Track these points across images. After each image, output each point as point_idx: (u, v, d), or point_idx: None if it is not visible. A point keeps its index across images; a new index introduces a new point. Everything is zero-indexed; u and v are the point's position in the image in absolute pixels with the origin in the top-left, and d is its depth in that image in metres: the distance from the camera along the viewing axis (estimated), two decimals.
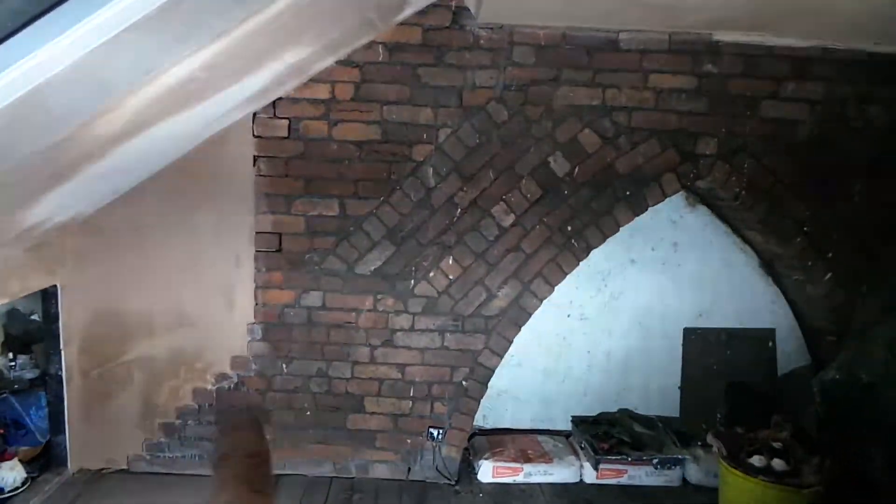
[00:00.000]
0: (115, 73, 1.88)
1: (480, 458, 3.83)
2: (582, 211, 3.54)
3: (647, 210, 3.58)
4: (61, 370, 3.54)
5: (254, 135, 3.45)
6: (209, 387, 3.67)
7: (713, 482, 3.56)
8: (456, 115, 3.44)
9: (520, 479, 3.78)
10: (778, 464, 3.20)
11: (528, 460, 3.82)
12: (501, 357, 3.70)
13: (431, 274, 3.58)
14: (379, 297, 3.61)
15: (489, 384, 3.74)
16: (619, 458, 3.77)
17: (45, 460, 3.62)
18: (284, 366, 3.66)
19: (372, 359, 3.66)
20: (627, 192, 3.53)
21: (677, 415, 4.17)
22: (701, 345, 4.15)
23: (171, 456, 3.70)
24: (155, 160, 3.30)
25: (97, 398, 3.64)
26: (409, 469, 3.76)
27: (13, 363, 3.64)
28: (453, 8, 3.34)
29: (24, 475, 3.41)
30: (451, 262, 3.57)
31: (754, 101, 3.46)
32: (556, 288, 3.64)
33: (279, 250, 3.56)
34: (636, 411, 4.17)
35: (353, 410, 3.71)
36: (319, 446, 3.73)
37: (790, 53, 3.41)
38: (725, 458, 3.31)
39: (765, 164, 3.52)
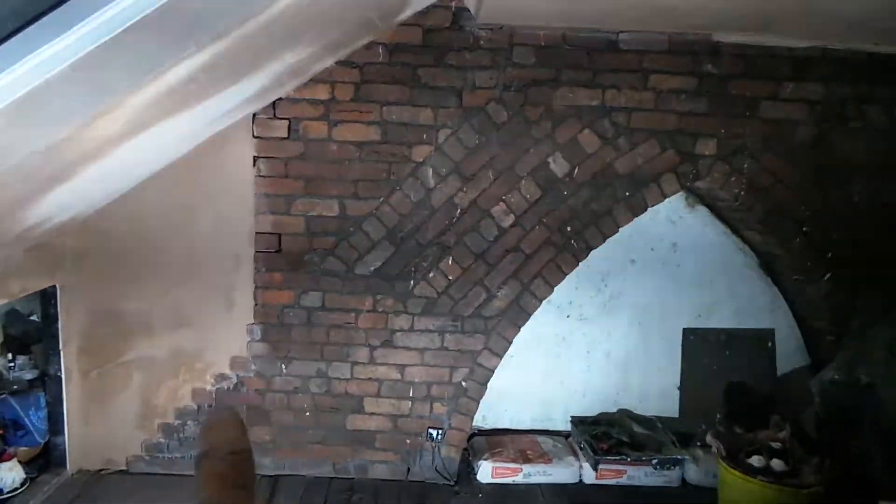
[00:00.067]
0: (115, 74, 1.88)
1: (480, 459, 3.83)
2: (581, 211, 3.54)
3: (646, 210, 3.59)
4: (60, 371, 3.53)
5: (253, 135, 3.45)
6: (208, 387, 3.67)
7: (712, 482, 3.56)
8: (456, 115, 3.44)
9: (519, 479, 3.78)
10: (777, 464, 3.20)
11: (527, 461, 3.82)
12: (501, 357, 3.70)
13: (431, 274, 3.58)
14: (378, 297, 3.61)
15: (488, 385, 3.74)
16: (618, 458, 3.76)
17: (44, 461, 3.62)
18: (284, 366, 3.66)
19: (371, 359, 3.66)
20: (627, 193, 3.53)
21: (676, 415, 4.17)
22: (700, 345, 4.15)
23: (170, 456, 3.70)
24: (154, 161, 3.30)
25: (96, 399, 3.64)
26: (409, 469, 3.76)
27: (12, 364, 3.63)
28: (453, 9, 3.34)
29: (23, 476, 3.41)
30: (450, 262, 3.57)
31: (754, 101, 3.46)
32: (555, 288, 3.64)
33: (279, 251, 3.56)
34: (635, 412, 4.16)
35: (352, 411, 3.71)
36: (319, 447, 3.73)
37: (790, 54, 3.41)
38: (725, 459, 3.31)
39: (764, 164, 3.52)
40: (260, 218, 3.53)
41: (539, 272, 3.59)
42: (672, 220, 4.07)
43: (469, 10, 3.32)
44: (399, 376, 3.69)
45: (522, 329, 3.69)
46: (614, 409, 4.20)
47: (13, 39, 1.47)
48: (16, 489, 3.34)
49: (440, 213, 3.53)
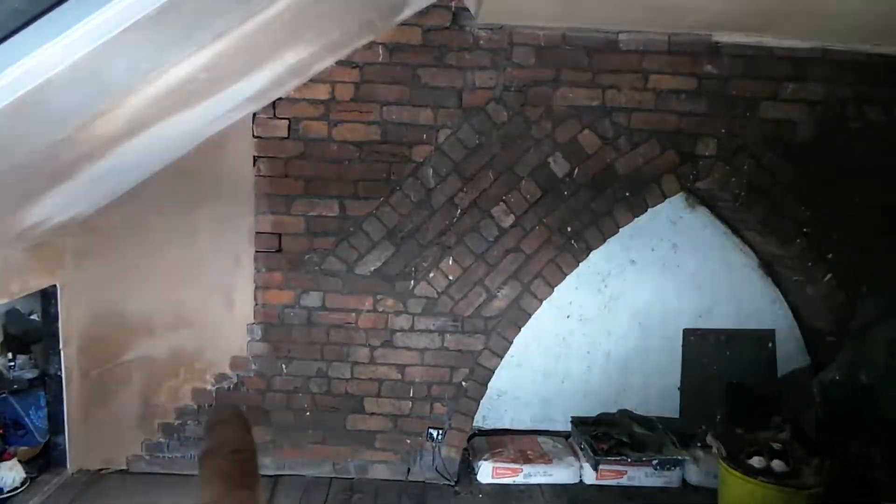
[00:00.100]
0: (115, 73, 1.88)
1: (480, 459, 3.83)
2: (582, 212, 3.54)
3: (646, 211, 3.58)
4: (61, 370, 3.53)
5: (254, 135, 3.46)
6: (209, 387, 3.67)
7: (713, 483, 3.56)
8: (456, 115, 3.45)
9: (519, 479, 3.78)
10: (778, 465, 3.20)
11: (527, 461, 3.82)
12: (501, 358, 3.70)
13: (431, 274, 3.58)
14: (379, 297, 3.61)
15: (489, 385, 3.74)
16: (618, 458, 3.76)
17: (44, 460, 3.62)
18: (284, 366, 3.66)
19: (371, 359, 3.66)
20: (627, 193, 3.53)
21: (677, 416, 4.17)
22: (700, 346, 4.15)
23: (170, 456, 3.70)
24: (155, 160, 3.30)
25: (96, 398, 3.64)
26: (409, 470, 3.76)
27: (12, 363, 3.63)
28: (453, 9, 3.34)
29: (24, 475, 3.41)
30: (450, 262, 3.57)
31: (754, 102, 3.46)
32: (555, 289, 3.64)
33: (279, 250, 3.56)
34: (636, 412, 4.16)
35: (352, 411, 3.71)
36: (319, 447, 3.73)
37: (790, 54, 3.41)
38: (725, 459, 3.31)
39: (764, 165, 3.52)
40: (260, 218, 3.53)
41: (539, 272, 3.59)
42: (672, 220, 4.07)
43: (469, 10, 3.32)
44: (399, 376, 3.68)
45: (523, 329, 3.69)
46: (615, 410, 4.20)
47: (14, 38, 1.47)
48: (16, 489, 3.34)
49: (440, 213, 3.53)
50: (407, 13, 3.29)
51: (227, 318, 3.61)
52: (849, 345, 3.54)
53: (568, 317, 4.15)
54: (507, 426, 4.24)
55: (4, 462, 3.33)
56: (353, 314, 3.62)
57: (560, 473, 3.81)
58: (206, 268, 3.57)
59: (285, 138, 3.46)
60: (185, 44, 2.00)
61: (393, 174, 3.49)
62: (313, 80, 3.40)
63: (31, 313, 3.88)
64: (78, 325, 3.56)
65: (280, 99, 3.41)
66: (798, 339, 4.10)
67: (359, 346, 3.65)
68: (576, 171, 3.50)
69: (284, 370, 3.66)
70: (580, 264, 3.63)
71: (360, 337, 3.64)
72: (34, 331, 3.76)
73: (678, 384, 4.19)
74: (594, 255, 3.64)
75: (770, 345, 4.11)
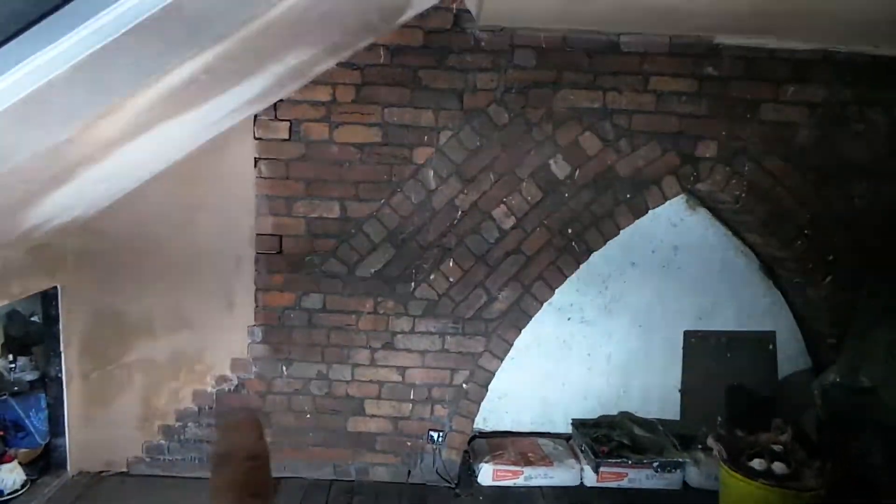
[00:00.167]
0: (117, 76, 1.88)
1: (481, 461, 3.82)
2: (582, 214, 3.54)
3: (647, 213, 3.58)
4: (61, 372, 3.54)
5: (255, 137, 3.46)
6: (209, 389, 3.67)
7: (714, 485, 3.55)
8: (457, 117, 3.45)
9: (520, 482, 3.77)
10: (779, 467, 3.20)
11: (528, 463, 3.82)
12: (502, 360, 3.69)
13: (432, 276, 3.58)
14: (379, 299, 3.60)
15: (489, 387, 3.74)
16: (619, 461, 3.76)
17: (44, 462, 3.62)
18: (284, 368, 3.66)
19: (372, 361, 3.66)
20: (628, 195, 3.53)
21: (678, 418, 4.17)
22: (701, 348, 4.15)
23: (170, 458, 3.70)
24: (156, 162, 3.30)
25: (97, 400, 3.64)
26: (410, 472, 3.76)
27: (13, 365, 3.63)
28: (454, 11, 3.35)
29: (24, 477, 3.41)
30: (451, 264, 3.57)
31: (755, 103, 3.46)
32: (556, 291, 3.64)
33: (280, 252, 3.56)
34: (636, 414, 4.16)
35: (353, 413, 3.71)
36: (319, 449, 3.73)
37: (791, 56, 3.42)
38: (726, 462, 3.30)
39: (765, 167, 3.52)
40: (261, 219, 3.53)
41: (540, 274, 3.59)
42: (673, 222, 4.06)
43: (470, 13, 3.32)
44: (400, 378, 3.68)
45: (523, 331, 3.69)
46: (615, 412, 4.20)
47: (15, 41, 1.47)
48: (16, 491, 3.34)
49: (441, 215, 3.53)
50: (408, 15, 3.30)
51: (227, 320, 3.61)
52: (849, 346, 3.54)
53: (569, 319, 4.15)
54: (507, 428, 4.23)
55: (5, 464, 3.33)
56: (354, 316, 3.62)
57: (561, 476, 3.80)
58: (207, 269, 3.57)
59: (286, 140, 3.46)
60: (186, 46, 2.00)
61: (394, 176, 3.49)
62: (314, 82, 3.40)
63: (31, 315, 3.88)
64: (79, 327, 3.56)
65: (281, 101, 3.41)
66: (799, 340, 4.10)
67: (359, 348, 3.65)
68: (576, 172, 3.50)
69: (285, 372, 3.66)
70: (581, 266, 3.63)
71: (360, 339, 3.64)
72: (35, 332, 3.75)
73: (679, 386, 4.18)
74: (595, 257, 3.63)
75: (771, 347, 4.11)
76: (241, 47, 2.28)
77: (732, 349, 4.12)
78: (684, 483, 3.83)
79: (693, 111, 3.46)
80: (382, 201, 3.51)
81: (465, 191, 3.51)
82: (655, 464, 3.77)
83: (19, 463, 3.42)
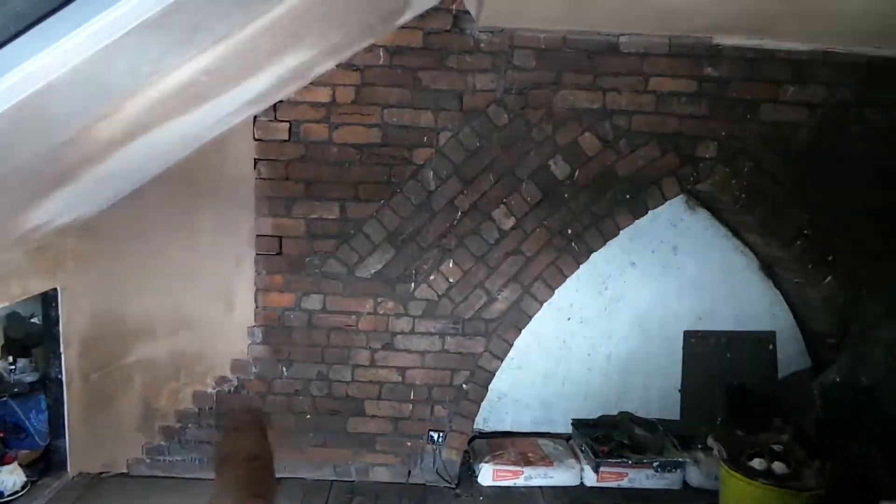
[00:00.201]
0: (117, 77, 1.89)
1: (481, 462, 3.82)
2: (582, 214, 3.54)
3: (647, 213, 3.59)
4: (61, 373, 3.53)
5: (254, 138, 3.46)
6: (209, 390, 3.67)
7: (714, 485, 3.55)
8: (456, 118, 3.45)
9: (520, 482, 3.77)
10: (779, 467, 3.20)
11: (528, 463, 3.82)
12: (502, 360, 3.70)
13: (432, 277, 3.58)
14: (379, 300, 3.61)
15: (489, 387, 3.74)
16: (619, 461, 3.76)
17: (44, 464, 3.62)
18: (284, 369, 3.66)
19: (372, 362, 3.66)
20: (627, 196, 3.53)
21: (678, 418, 4.17)
22: (701, 348, 4.15)
23: (170, 459, 3.70)
24: (156, 163, 3.30)
25: (97, 401, 3.63)
26: (410, 472, 3.76)
27: (13, 366, 3.62)
28: (454, 12, 3.35)
29: (24, 479, 3.40)
30: (451, 265, 3.57)
31: (754, 104, 3.46)
32: (556, 291, 3.64)
33: (279, 253, 3.56)
34: (636, 414, 4.16)
35: (353, 413, 3.71)
36: (319, 449, 3.73)
37: (790, 57, 3.42)
38: (726, 462, 3.30)
39: (765, 167, 3.52)
40: (261, 220, 3.53)
41: (540, 275, 3.59)
42: (673, 222, 4.07)
43: (470, 13, 3.32)
44: (400, 379, 3.68)
45: (523, 331, 3.69)
46: (615, 412, 4.20)
47: (16, 42, 1.48)
48: (16, 492, 3.33)
49: (441, 216, 3.53)
50: (408, 16, 3.30)
51: (227, 321, 3.61)
52: (849, 346, 3.55)
53: (568, 319, 4.15)
54: (507, 428, 4.24)
55: (5, 466, 3.32)
56: (354, 317, 3.62)
57: (561, 476, 3.81)
58: (207, 270, 3.57)
59: (286, 141, 3.46)
60: (186, 47, 2.00)
61: (393, 177, 3.49)
62: (314, 83, 3.40)
63: (31, 316, 3.88)
64: (79, 328, 3.55)
65: (281, 102, 3.42)
66: (799, 340, 4.10)
67: (359, 348, 3.65)
68: (576, 173, 3.50)
69: (285, 373, 3.66)
70: (581, 266, 3.63)
71: (360, 339, 3.64)
72: (35, 334, 3.76)
73: (679, 386, 4.18)
74: (594, 257, 3.64)
75: (770, 347, 4.11)
76: (241, 49, 2.28)
77: (732, 349, 4.12)
78: (684, 483, 3.84)
79: (693, 112, 3.46)
80: (382, 202, 3.51)
81: (465, 191, 3.51)
82: (655, 464, 3.77)
83: (19, 464, 3.41)
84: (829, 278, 3.66)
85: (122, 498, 3.49)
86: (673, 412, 4.18)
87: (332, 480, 3.74)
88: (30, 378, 3.62)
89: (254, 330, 3.63)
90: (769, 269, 4.07)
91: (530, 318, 3.66)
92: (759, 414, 3.76)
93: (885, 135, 3.50)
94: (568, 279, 3.64)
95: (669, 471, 3.79)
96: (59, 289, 3.46)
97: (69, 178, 2.56)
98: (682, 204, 4.04)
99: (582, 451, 3.91)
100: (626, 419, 4.10)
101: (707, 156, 3.50)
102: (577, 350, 4.18)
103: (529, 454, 3.91)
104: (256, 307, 3.61)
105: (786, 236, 3.63)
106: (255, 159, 3.48)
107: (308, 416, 3.70)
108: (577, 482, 3.83)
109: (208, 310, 3.61)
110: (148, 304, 3.58)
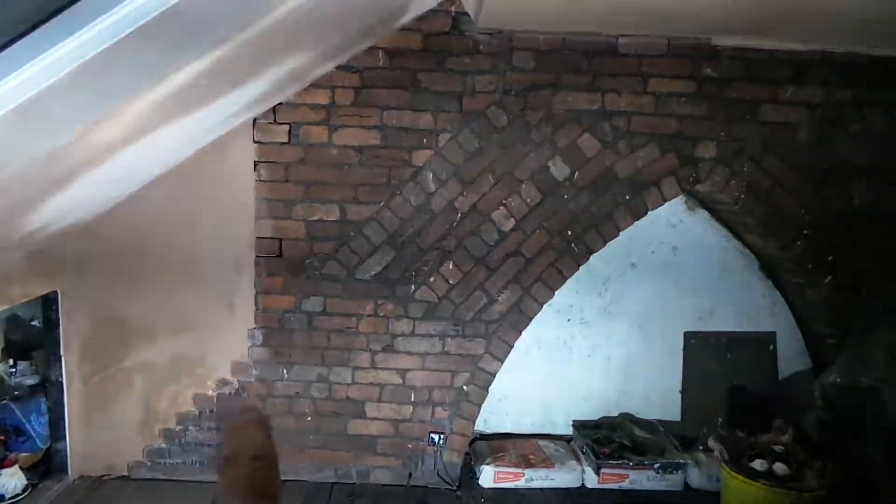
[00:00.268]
0: (116, 80, 1.88)
1: (482, 464, 3.82)
2: (582, 215, 3.54)
3: (646, 214, 3.59)
4: (62, 376, 3.53)
5: (254, 140, 3.46)
6: (210, 392, 3.67)
7: (715, 486, 3.55)
8: (456, 119, 3.45)
9: (521, 484, 3.77)
10: (780, 468, 3.20)
11: (529, 465, 3.82)
12: (502, 362, 3.69)
13: (432, 279, 3.58)
14: (379, 302, 3.61)
15: (490, 389, 3.74)
16: (620, 462, 3.75)
17: (45, 467, 3.62)
18: (285, 371, 3.66)
19: (372, 364, 3.66)
20: (627, 197, 3.53)
21: (678, 419, 4.16)
22: (701, 349, 4.14)
23: (171, 462, 3.69)
24: (155, 166, 3.30)
25: (98, 404, 3.64)
26: (411, 474, 3.76)
27: (14, 369, 3.63)
28: (453, 13, 3.35)
29: (25, 482, 3.40)
30: (451, 266, 3.57)
31: (753, 104, 3.46)
32: (556, 292, 3.64)
33: (279, 255, 3.56)
34: (637, 416, 4.16)
35: (353, 416, 3.71)
36: (320, 451, 3.73)
37: (789, 57, 3.42)
38: (727, 463, 3.30)
39: (764, 167, 3.53)
40: (260, 223, 3.53)
41: (540, 276, 3.59)
42: (672, 223, 4.07)
43: (469, 15, 3.33)
44: (400, 381, 3.68)
45: (523, 333, 3.69)
46: (616, 413, 4.20)
47: (15, 45, 1.48)
48: (17, 495, 3.33)
49: (441, 218, 3.53)
50: (407, 18, 3.30)
51: (227, 323, 3.61)
52: (849, 347, 3.55)
53: (569, 320, 4.15)
54: (508, 430, 4.23)
55: (6, 469, 3.32)
56: (354, 319, 3.62)
57: (562, 477, 3.80)
58: (207, 273, 3.57)
59: (286, 143, 3.47)
60: (185, 50, 2.00)
61: (393, 178, 3.50)
62: (314, 85, 3.40)
63: (32, 319, 3.88)
64: (79, 331, 3.56)
65: (280, 104, 3.42)
66: (799, 341, 4.10)
67: (360, 350, 3.65)
68: (576, 174, 3.50)
69: (285, 375, 3.66)
70: (580, 268, 3.63)
71: (360, 341, 3.64)
72: (35, 337, 3.76)
73: (679, 387, 4.18)
74: (594, 258, 3.64)
75: (771, 347, 4.10)
76: (241, 51, 2.28)
77: (732, 350, 4.12)
78: (685, 484, 3.83)
79: (692, 112, 3.46)
80: (382, 204, 3.51)
81: (465, 193, 3.51)
82: (656, 465, 3.77)
83: (20, 467, 3.41)
84: (829, 278, 3.66)
85: (123, 501, 3.49)
86: (673, 413, 4.18)
87: (333, 483, 3.73)
88: (30, 381, 3.63)
89: (254, 332, 3.63)
90: (769, 269, 4.06)
91: (530, 319, 3.66)
92: (760, 415, 3.76)
93: (884, 134, 3.50)
94: (568, 280, 3.64)
95: (670, 472, 3.79)
96: (59, 291, 3.46)
97: (69, 181, 2.56)
98: (682, 205, 4.04)
99: (583, 452, 3.91)
100: (627, 420, 4.10)
101: (706, 156, 3.50)
102: (578, 351, 4.18)
103: (530, 456, 3.90)
104: (257, 309, 3.61)
105: (785, 236, 3.63)
106: (254, 161, 3.48)
107: (308, 419, 3.70)
108: (578, 484, 3.83)
109: (208, 312, 3.61)
110: (148, 307, 3.58)
